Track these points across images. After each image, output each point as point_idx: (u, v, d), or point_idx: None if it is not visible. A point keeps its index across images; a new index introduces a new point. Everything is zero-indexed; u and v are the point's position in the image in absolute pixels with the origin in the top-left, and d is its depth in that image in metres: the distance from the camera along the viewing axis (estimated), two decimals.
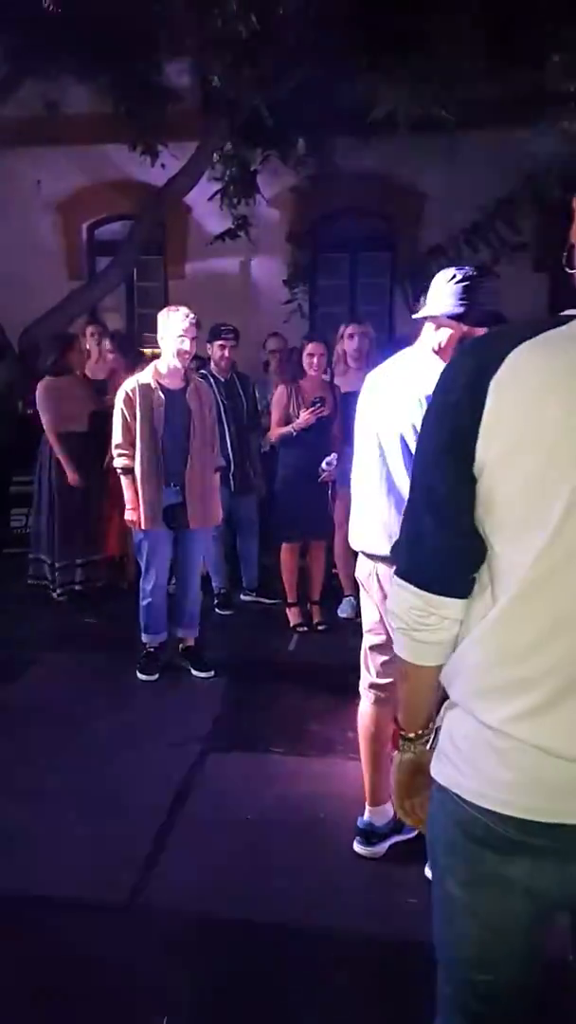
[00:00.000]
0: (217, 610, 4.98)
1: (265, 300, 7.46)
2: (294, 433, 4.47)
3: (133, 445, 3.84)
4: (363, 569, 2.52)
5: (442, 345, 2.30)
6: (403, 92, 4.97)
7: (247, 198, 6.88)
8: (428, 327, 2.35)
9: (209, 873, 2.54)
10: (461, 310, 2.23)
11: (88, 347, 5.74)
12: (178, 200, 6.92)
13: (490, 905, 1.16)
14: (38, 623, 4.77)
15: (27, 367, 6.10)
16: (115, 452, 3.94)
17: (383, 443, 2.33)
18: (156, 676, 4.03)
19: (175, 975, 2.13)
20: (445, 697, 1.22)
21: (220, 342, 4.87)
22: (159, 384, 3.85)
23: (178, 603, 4.14)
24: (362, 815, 2.64)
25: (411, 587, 1.15)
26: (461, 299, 2.23)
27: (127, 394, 3.84)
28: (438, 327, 2.31)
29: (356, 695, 2.67)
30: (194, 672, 4.07)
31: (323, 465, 4.43)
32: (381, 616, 2.47)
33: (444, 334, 2.30)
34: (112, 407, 4.04)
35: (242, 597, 5.20)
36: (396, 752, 1.31)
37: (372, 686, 2.58)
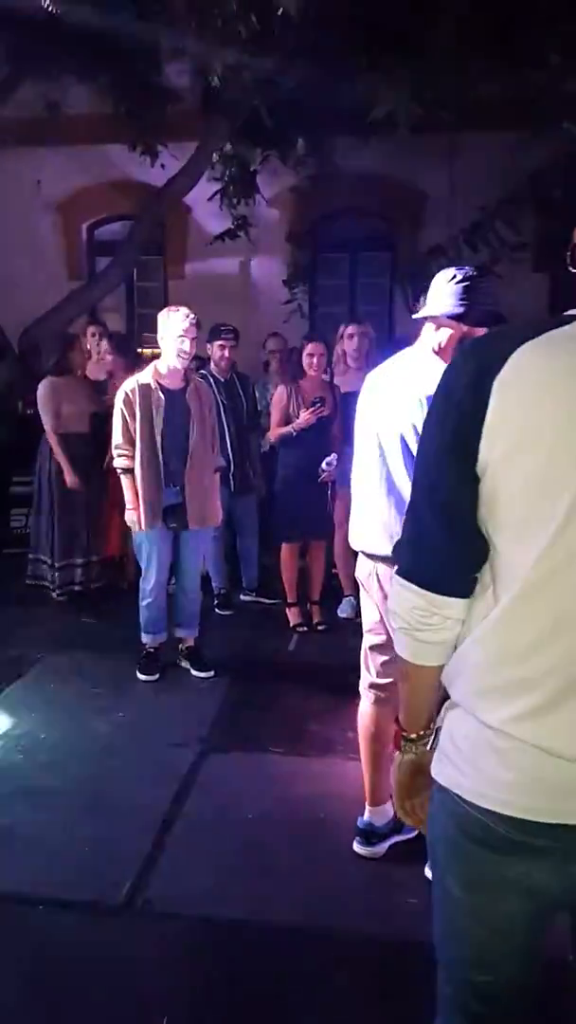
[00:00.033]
0: (217, 610, 4.98)
1: (265, 300, 7.46)
2: (294, 433, 4.47)
3: (133, 445, 3.84)
4: (363, 569, 2.52)
5: (442, 345, 2.30)
6: (403, 92, 4.96)
7: (247, 198, 6.88)
8: (428, 327, 2.35)
9: (209, 873, 2.54)
10: (461, 310, 2.23)
11: (89, 347, 5.74)
12: (178, 200, 6.92)
13: (490, 905, 1.16)
14: (38, 623, 4.77)
15: (27, 367, 6.10)
16: (115, 452, 3.94)
17: (383, 443, 2.33)
18: (156, 676, 4.03)
19: (175, 975, 2.13)
20: (446, 697, 1.22)
21: (220, 342, 4.87)
22: (159, 384, 3.85)
23: (178, 603, 4.14)
24: (362, 815, 2.64)
25: (414, 587, 1.15)
26: (461, 299, 2.23)
27: (127, 394, 3.84)
28: (438, 327, 2.31)
29: (356, 695, 2.67)
30: (194, 672, 4.08)
31: (323, 465, 4.43)
32: (381, 616, 2.47)
33: (444, 334, 2.30)
34: (111, 408, 4.04)
35: (242, 597, 5.20)
36: (397, 753, 1.31)
37: (372, 686, 2.58)
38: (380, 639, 2.51)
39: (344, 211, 7.74)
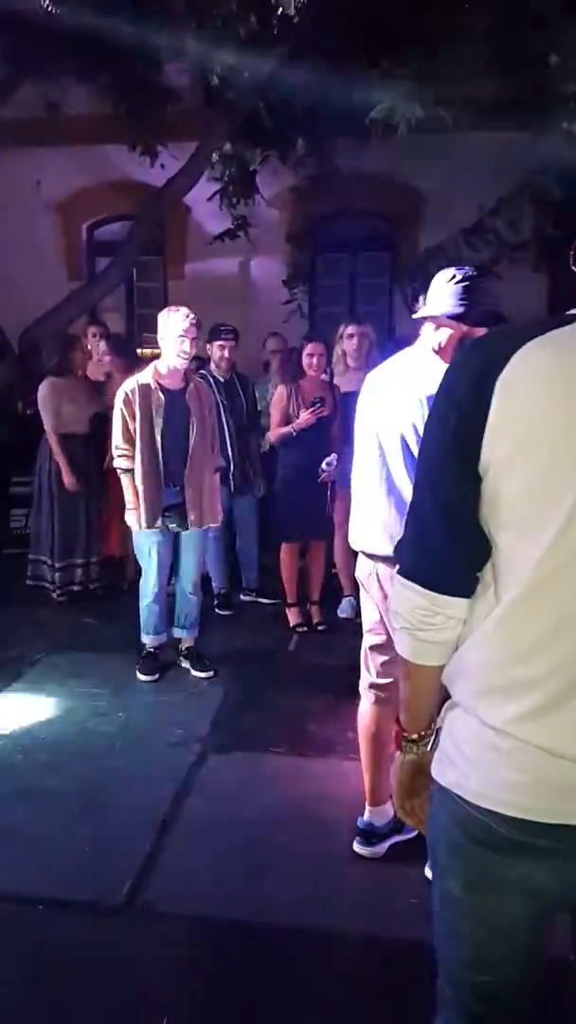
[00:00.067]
0: (217, 610, 4.98)
1: (265, 300, 7.46)
2: (294, 433, 4.47)
3: (133, 445, 3.84)
4: (363, 569, 2.52)
5: (442, 345, 2.30)
6: (403, 92, 4.96)
7: (246, 198, 6.88)
8: (428, 327, 2.35)
9: (209, 873, 2.54)
10: (461, 310, 2.23)
11: (90, 347, 5.74)
12: (178, 200, 6.92)
13: (491, 906, 1.16)
14: (38, 623, 4.76)
15: (27, 367, 6.10)
16: (115, 452, 3.94)
17: (383, 443, 2.33)
18: (156, 676, 4.03)
19: (175, 975, 2.13)
20: (446, 698, 1.22)
21: (220, 342, 4.87)
22: (159, 384, 3.85)
23: (178, 603, 4.14)
24: (362, 815, 2.64)
25: (416, 586, 1.15)
26: (461, 299, 2.23)
27: (127, 394, 3.84)
28: (438, 327, 2.31)
29: (356, 695, 2.67)
30: (194, 672, 4.08)
31: (323, 465, 4.43)
32: (381, 616, 2.46)
33: (444, 334, 2.30)
34: (111, 408, 4.04)
35: (242, 597, 5.20)
36: (398, 753, 1.31)
37: (372, 686, 2.58)
38: (380, 639, 2.51)
39: (344, 211, 7.74)
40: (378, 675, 2.55)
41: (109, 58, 5.59)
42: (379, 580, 2.43)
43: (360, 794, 2.66)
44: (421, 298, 2.46)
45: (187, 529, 3.95)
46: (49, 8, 4.76)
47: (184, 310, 3.82)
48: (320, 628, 4.70)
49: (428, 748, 1.26)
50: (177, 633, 4.17)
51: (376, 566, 2.43)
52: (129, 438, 3.85)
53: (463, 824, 1.14)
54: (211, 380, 4.74)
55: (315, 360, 4.50)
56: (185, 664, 4.12)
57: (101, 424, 4.87)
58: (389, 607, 1.37)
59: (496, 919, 1.17)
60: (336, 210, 7.74)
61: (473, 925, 1.19)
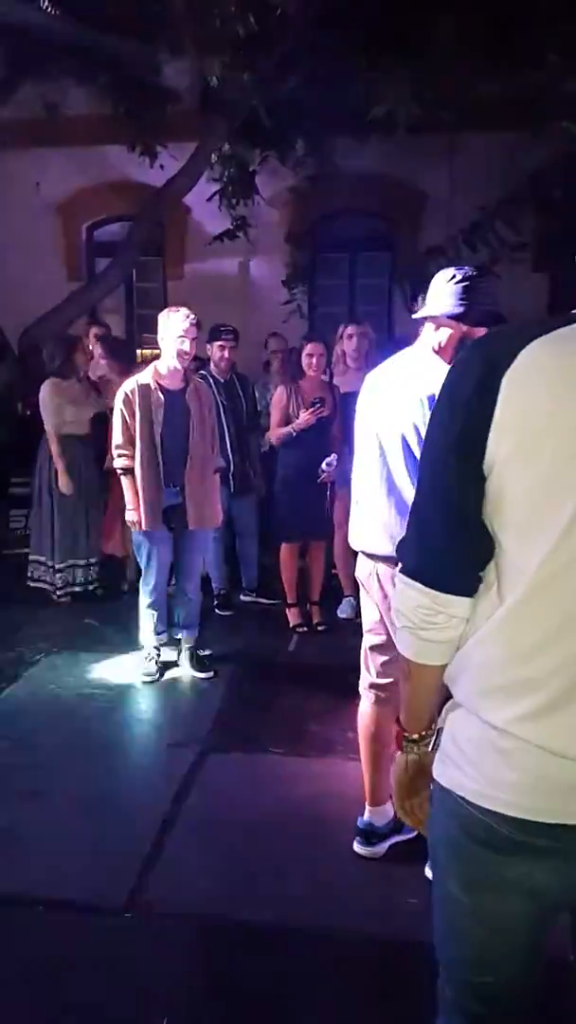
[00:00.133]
0: (217, 610, 4.98)
1: (264, 300, 7.46)
2: (294, 434, 4.47)
3: (133, 445, 3.84)
4: (363, 569, 2.52)
5: (442, 345, 2.30)
6: (403, 92, 4.97)
7: (246, 199, 6.88)
8: (428, 327, 2.35)
9: (209, 873, 2.53)
10: (461, 310, 2.23)
11: (91, 348, 5.74)
12: (177, 201, 6.92)
13: (492, 906, 1.16)
14: (38, 624, 4.76)
15: (27, 368, 6.10)
16: (115, 452, 3.94)
17: (383, 443, 2.33)
18: (156, 676, 4.02)
19: (175, 975, 2.13)
20: (447, 698, 1.22)
21: (219, 343, 4.87)
22: (159, 385, 3.85)
23: (178, 604, 4.14)
24: (362, 815, 2.64)
25: (418, 585, 1.14)
26: (461, 299, 2.23)
27: (126, 395, 3.84)
28: (438, 327, 2.31)
29: (356, 695, 2.66)
30: (194, 672, 4.07)
31: (323, 466, 4.43)
32: (381, 616, 2.46)
33: (444, 334, 2.30)
34: (111, 410, 4.04)
35: (242, 597, 5.20)
36: (399, 753, 1.31)
37: (372, 686, 2.58)
38: (380, 639, 2.50)
39: (343, 211, 7.74)
40: (378, 675, 2.55)
41: (108, 59, 5.60)
42: (379, 580, 2.42)
43: (360, 794, 2.66)
44: (421, 298, 2.47)
45: (187, 529, 3.95)
46: (49, 9, 4.77)
47: (184, 311, 3.82)
48: (320, 628, 4.70)
49: (428, 748, 1.26)
50: (177, 633, 4.16)
51: (376, 566, 2.43)
52: (129, 438, 3.85)
53: (464, 825, 1.14)
54: (211, 380, 4.73)
55: (315, 360, 4.50)
56: (185, 664, 4.12)
57: (101, 425, 4.87)
58: (391, 606, 1.36)
59: (496, 919, 1.17)
60: (336, 210, 7.74)
61: (473, 925, 1.19)
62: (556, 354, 1.03)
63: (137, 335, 8.11)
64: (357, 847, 2.61)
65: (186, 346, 3.79)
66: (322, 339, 4.68)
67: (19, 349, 6.38)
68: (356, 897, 2.44)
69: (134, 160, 6.75)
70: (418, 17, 4.80)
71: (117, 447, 3.90)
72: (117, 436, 3.89)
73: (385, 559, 2.35)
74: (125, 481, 3.90)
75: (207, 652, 4.21)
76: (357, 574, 2.59)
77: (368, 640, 2.58)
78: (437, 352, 2.31)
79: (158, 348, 3.92)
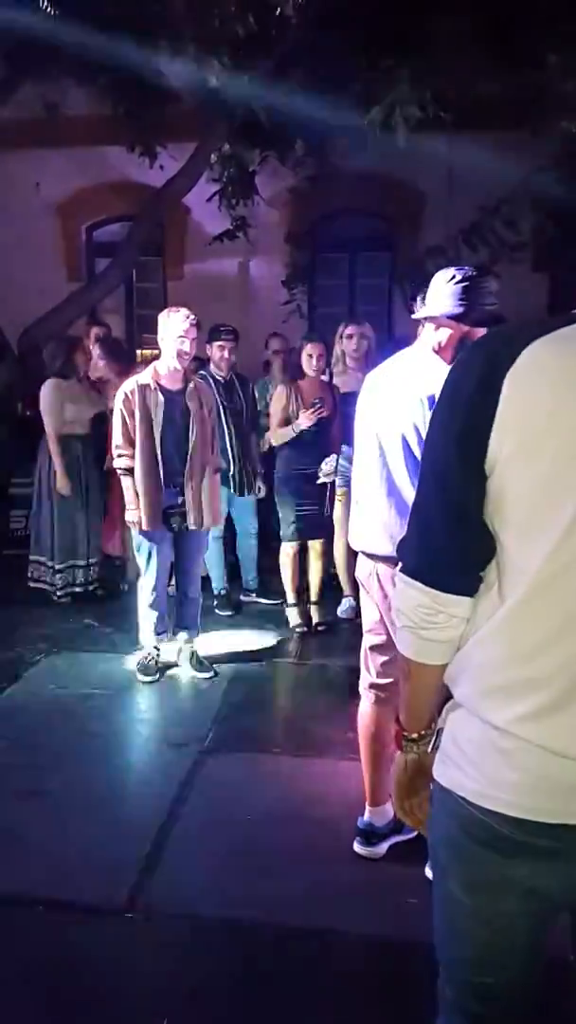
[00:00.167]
0: (217, 610, 4.98)
1: (264, 301, 7.47)
2: (294, 434, 4.47)
3: (133, 446, 3.84)
4: (363, 569, 2.52)
5: (442, 345, 2.30)
6: (403, 92, 4.96)
7: (246, 199, 6.88)
8: (428, 327, 2.35)
9: (209, 873, 2.54)
10: (461, 310, 2.23)
11: (92, 348, 5.74)
12: (177, 201, 6.92)
13: (492, 906, 1.16)
14: (38, 625, 4.76)
15: (27, 368, 6.10)
16: (115, 453, 3.94)
17: (383, 443, 2.33)
18: (156, 677, 4.02)
19: (175, 975, 2.12)
20: (447, 698, 1.22)
21: (219, 343, 4.86)
22: (158, 385, 3.84)
23: (178, 604, 4.14)
24: (362, 815, 2.64)
25: (419, 585, 1.14)
26: (461, 299, 2.23)
27: (126, 395, 3.84)
28: (438, 327, 2.31)
29: (356, 695, 2.67)
30: (194, 673, 4.07)
31: (323, 465, 4.43)
32: (381, 616, 2.46)
33: (444, 334, 2.30)
34: (111, 411, 4.04)
35: (242, 597, 5.20)
36: (399, 753, 1.31)
37: (372, 686, 2.58)
38: (380, 639, 2.50)
39: (343, 211, 7.74)
40: (378, 675, 2.55)
41: (108, 59, 5.59)
42: (379, 580, 2.42)
43: (360, 794, 2.66)
44: (420, 298, 2.46)
45: (187, 529, 3.95)
46: (47, 9, 4.76)
47: (184, 311, 3.82)
48: (320, 628, 4.70)
49: (428, 748, 1.26)
50: (177, 634, 4.16)
51: (376, 566, 2.43)
52: (129, 439, 3.85)
53: (465, 825, 1.14)
54: (211, 380, 4.73)
55: (314, 360, 4.49)
56: (185, 664, 4.12)
57: (101, 425, 4.87)
58: (392, 605, 1.36)
59: (497, 920, 1.17)
60: (335, 210, 7.75)
61: (474, 926, 1.19)
62: (558, 354, 1.03)
63: (137, 335, 8.12)
64: (357, 847, 2.61)
65: (186, 346, 3.79)
66: (322, 339, 4.67)
67: (19, 349, 6.38)
68: (356, 897, 2.44)
69: (134, 160, 6.74)
70: (418, 17, 4.80)
71: (117, 447, 3.90)
72: (117, 436, 3.89)
73: (385, 559, 2.35)
74: (125, 481, 3.90)
75: (207, 652, 4.21)
76: (357, 574, 2.59)
77: (368, 640, 2.58)
78: (437, 352, 2.31)
79: (158, 348, 3.92)
